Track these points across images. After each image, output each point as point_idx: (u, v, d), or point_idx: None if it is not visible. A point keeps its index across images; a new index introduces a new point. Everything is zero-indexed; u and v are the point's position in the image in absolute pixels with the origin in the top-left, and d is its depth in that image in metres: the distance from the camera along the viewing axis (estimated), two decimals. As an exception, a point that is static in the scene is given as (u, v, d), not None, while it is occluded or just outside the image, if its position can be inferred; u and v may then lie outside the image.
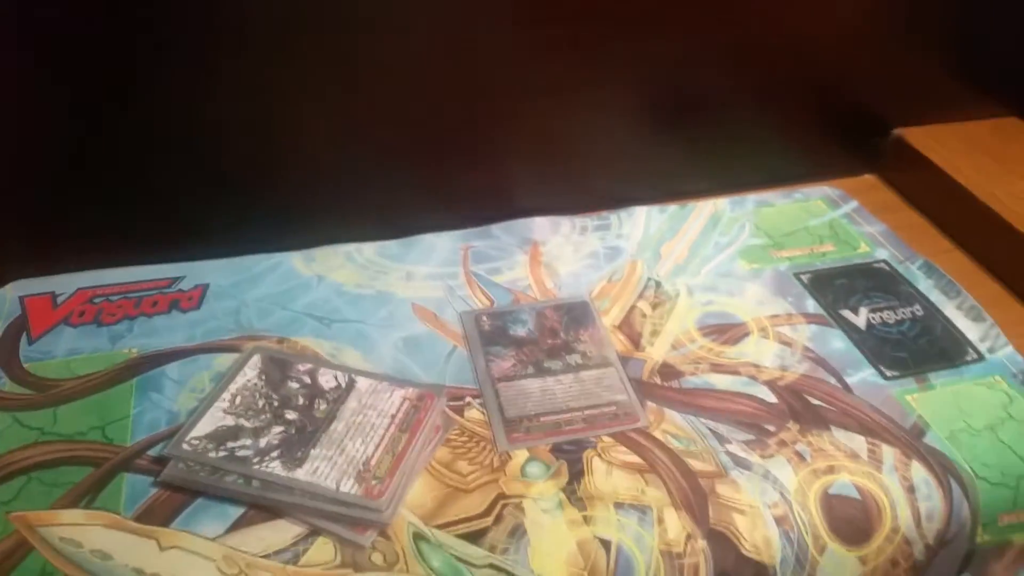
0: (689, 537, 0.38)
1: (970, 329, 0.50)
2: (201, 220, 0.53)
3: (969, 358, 0.48)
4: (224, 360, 0.46)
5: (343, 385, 0.44)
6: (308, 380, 0.44)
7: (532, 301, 0.51)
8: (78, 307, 0.49)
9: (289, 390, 0.43)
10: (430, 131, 0.56)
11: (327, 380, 0.44)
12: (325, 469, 0.39)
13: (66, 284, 0.50)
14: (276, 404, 0.42)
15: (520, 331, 0.48)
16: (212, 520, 0.38)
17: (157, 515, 0.38)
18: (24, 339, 0.47)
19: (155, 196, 0.52)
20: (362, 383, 0.44)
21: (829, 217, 0.60)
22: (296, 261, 0.53)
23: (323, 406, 0.42)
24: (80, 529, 0.37)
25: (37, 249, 0.51)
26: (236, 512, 0.38)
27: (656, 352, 0.48)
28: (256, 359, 0.45)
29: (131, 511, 0.38)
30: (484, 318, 0.49)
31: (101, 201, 0.51)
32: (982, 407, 0.45)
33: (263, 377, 0.44)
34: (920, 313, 0.51)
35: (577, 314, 0.49)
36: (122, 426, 0.42)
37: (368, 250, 0.55)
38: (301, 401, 0.43)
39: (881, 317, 0.51)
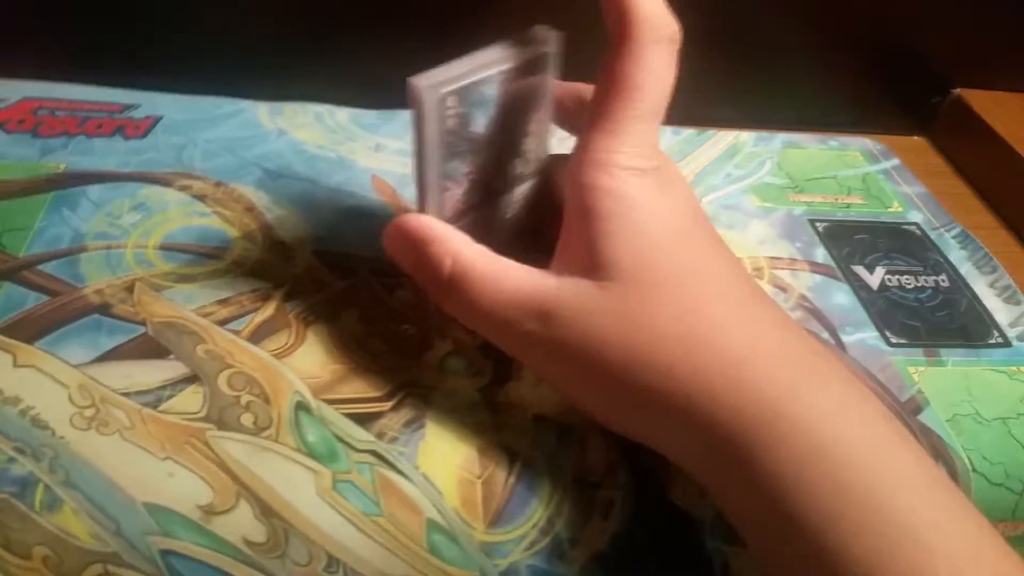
0: (612, 468, 0.33)
1: (1000, 310, 0.43)
2: (168, 51, 0.48)
3: (993, 341, 0.41)
4: (150, 192, 0.41)
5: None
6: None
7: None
8: (18, 115, 0.45)
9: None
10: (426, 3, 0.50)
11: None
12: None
13: (11, 90, 0.46)
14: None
15: (480, 121, 0.32)
16: (82, 348, 0.33)
17: (24, 331, 0.34)
18: (-51, 137, 0.43)
19: (118, 16, 0.47)
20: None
21: (864, 171, 0.52)
22: (261, 111, 0.48)
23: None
24: (-68, 325, 0.33)
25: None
26: (111, 343, 0.34)
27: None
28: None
29: (-3, 321, 0.34)
30: (449, 103, 0.31)
31: (56, 11, 0.47)
32: (997, 396, 0.38)
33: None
34: (945, 284, 0.44)
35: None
36: (20, 236, 0.38)
37: (341, 115, 0.50)
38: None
39: (899, 281, 0.44)
